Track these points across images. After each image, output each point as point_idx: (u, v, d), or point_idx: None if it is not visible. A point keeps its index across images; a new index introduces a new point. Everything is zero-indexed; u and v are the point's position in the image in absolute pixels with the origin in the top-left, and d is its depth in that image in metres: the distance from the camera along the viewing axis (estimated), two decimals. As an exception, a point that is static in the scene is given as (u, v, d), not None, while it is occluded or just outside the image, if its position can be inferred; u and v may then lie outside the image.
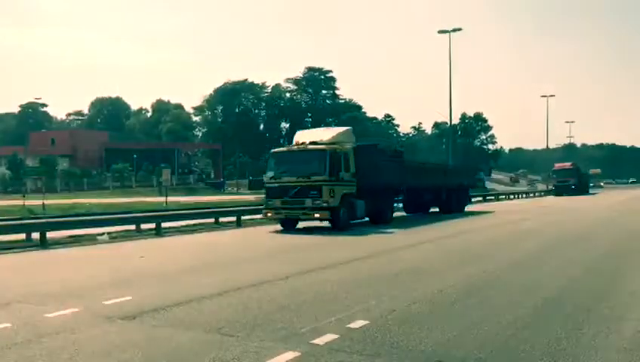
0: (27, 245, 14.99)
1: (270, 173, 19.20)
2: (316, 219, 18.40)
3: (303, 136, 20.91)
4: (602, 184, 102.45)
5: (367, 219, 20.51)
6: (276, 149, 20.69)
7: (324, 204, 17.90)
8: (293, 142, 20.52)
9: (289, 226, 19.20)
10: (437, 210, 27.33)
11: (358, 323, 6.09)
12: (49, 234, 15.28)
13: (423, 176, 24.91)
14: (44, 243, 14.87)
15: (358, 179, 19.32)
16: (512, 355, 5.11)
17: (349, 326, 6.00)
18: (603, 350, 5.22)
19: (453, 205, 27.33)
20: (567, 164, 64.93)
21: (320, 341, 5.48)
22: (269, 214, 19.18)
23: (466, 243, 15.01)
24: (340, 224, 18.35)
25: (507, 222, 22.46)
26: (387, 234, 17.49)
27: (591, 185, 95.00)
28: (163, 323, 6.36)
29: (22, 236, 15.42)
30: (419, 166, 26.41)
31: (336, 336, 5.62)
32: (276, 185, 18.79)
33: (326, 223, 18.60)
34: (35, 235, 15.25)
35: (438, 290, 7.97)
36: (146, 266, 11.37)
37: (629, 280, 8.99)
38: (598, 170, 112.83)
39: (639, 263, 10.89)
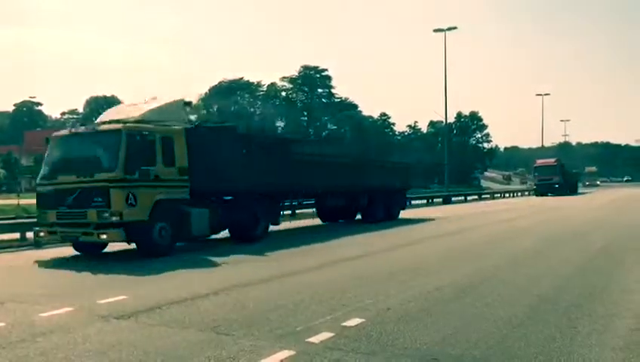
0: (21, 244, 14.95)
1: (45, 170, 12.82)
2: (104, 240, 11.94)
3: (111, 115, 14.01)
4: (599, 182, 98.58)
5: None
6: (56, 133, 13.69)
7: (115, 218, 11.41)
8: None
9: (94, 250, 12.86)
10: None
11: (354, 322, 6.09)
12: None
13: (328, 174, 18.07)
14: (38, 243, 14.80)
15: (195, 177, 13.06)
16: (507, 353, 5.11)
17: (344, 324, 6.01)
18: (597, 348, 5.23)
19: (378, 211, 21.26)
20: (551, 161, 57.90)
21: (315, 339, 5.48)
22: (42, 234, 12.70)
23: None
24: (148, 247, 11.99)
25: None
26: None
27: (586, 183, 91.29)
28: (158, 322, 6.35)
29: (16, 235, 15.37)
30: (320, 160, 18.19)
31: (331, 335, 5.62)
32: (50, 188, 12.33)
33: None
34: (30, 234, 15.19)
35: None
36: (141, 265, 11.34)
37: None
38: (594, 168, 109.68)
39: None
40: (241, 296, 7.72)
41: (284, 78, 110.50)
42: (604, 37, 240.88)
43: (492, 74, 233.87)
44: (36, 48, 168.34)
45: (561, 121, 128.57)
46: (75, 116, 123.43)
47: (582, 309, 6.68)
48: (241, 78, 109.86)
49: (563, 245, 13.35)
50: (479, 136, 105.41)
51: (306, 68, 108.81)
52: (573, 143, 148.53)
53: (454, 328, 5.90)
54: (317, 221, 20.91)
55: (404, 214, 23.30)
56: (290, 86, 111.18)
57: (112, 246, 12.92)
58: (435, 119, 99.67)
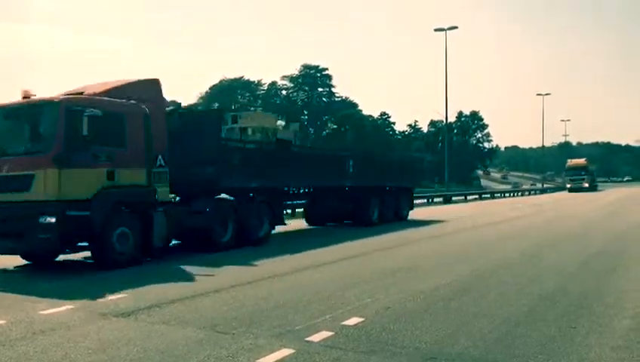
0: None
1: None
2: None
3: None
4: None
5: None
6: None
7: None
8: None
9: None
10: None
11: (353, 321, 6.10)
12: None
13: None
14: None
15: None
16: (506, 352, 5.11)
17: (344, 323, 6.01)
18: (597, 347, 5.23)
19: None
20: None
21: (315, 338, 5.49)
22: None
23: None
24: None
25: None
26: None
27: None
28: (158, 320, 6.35)
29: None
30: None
31: (331, 333, 5.63)
32: None
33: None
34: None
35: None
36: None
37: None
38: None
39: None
40: (241, 294, 7.73)
41: (284, 76, 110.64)
42: (605, 37, 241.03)
43: (493, 73, 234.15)
44: (37, 45, 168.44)
45: (562, 120, 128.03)
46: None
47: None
48: (242, 77, 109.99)
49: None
50: (480, 135, 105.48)
51: (306, 67, 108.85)
52: (574, 143, 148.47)
53: (453, 327, 5.91)
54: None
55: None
56: (291, 85, 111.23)
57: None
58: (435, 118, 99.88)
